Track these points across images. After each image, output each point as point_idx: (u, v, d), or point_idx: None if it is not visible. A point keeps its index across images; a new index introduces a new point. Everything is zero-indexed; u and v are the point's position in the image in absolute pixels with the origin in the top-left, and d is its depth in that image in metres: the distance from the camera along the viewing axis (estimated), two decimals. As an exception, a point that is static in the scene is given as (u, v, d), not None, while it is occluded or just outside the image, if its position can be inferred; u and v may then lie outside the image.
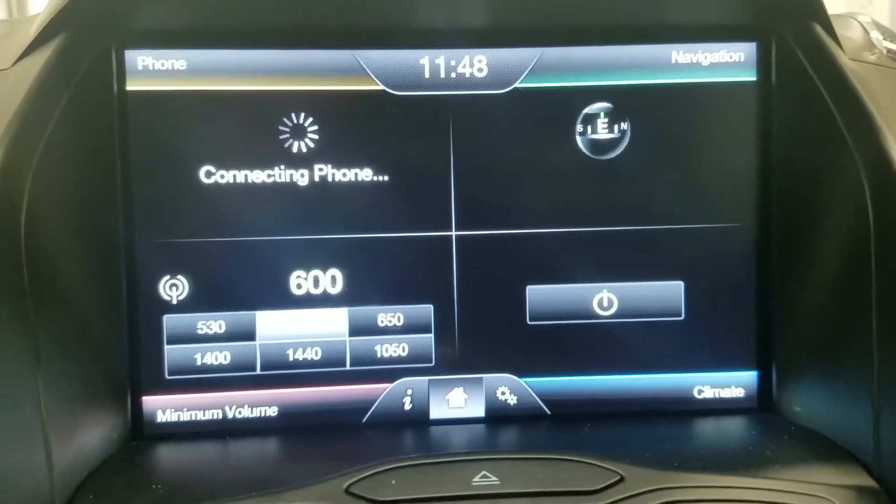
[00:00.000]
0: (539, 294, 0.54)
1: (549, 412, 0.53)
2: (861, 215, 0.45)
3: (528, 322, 0.53)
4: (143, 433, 0.51)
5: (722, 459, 0.43)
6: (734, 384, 0.53)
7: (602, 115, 0.54)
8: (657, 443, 0.47)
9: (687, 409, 0.53)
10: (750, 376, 0.53)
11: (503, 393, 0.54)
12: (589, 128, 0.54)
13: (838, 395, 0.47)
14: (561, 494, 0.40)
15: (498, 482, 0.41)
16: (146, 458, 0.47)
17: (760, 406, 0.53)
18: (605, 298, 0.54)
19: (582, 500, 0.39)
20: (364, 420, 0.53)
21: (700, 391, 0.53)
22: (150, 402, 0.52)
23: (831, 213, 0.49)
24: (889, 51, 0.67)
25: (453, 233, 0.53)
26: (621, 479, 0.41)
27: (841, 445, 0.45)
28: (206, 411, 0.52)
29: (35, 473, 0.40)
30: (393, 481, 0.41)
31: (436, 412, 0.54)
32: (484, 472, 0.41)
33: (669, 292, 0.53)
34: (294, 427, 0.52)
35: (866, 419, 0.44)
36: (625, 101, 0.53)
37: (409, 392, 0.54)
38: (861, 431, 0.44)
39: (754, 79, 0.53)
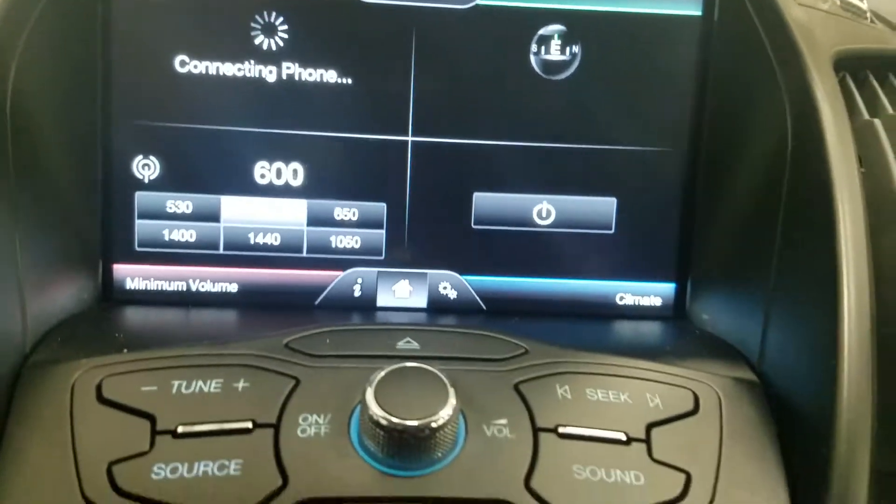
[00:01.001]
0: (484, 201, 0.58)
1: (484, 307, 0.59)
2: (781, 145, 0.50)
3: (473, 226, 0.58)
4: (113, 297, 0.56)
5: (624, 348, 0.48)
6: (653, 294, 0.59)
7: (556, 36, 0.57)
8: (571, 333, 0.52)
9: (608, 314, 0.58)
10: (668, 288, 0.59)
11: (445, 287, 0.59)
12: (543, 48, 0.57)
13: (739, 305, 0.52)
14: (470, 360, 0.45)
15: (418, 347, 0.46)
16: (113, 315, 0.53)
17: (674, 314, 0.58)
18: (544, 209, 0.58)
19: (487, 365, 0.45)
20: (316, 302, 0.58)
21: (622, 298, 0.59)
22: (119, 269, 0.57)
23: (756, 142, 0.53)
24: (843, 2, 0.70)
25: (409, 138, 0.57)
26: (525, 352, 0.46)
27: (735, 348, 0.51)
28: (172, 282, 0.57)
29: (9, 317, 0.45)
30: (328, 340, 0.46)
31: (382, 300, 0.59)
32: (408, 339, 0.47)
33: (602, 207, 0.58)
34: (251, 303, 0.57)
35: (757, 327, 0.49)
36: (578, 25, 0.57)
37: (359, 281, 0.59)
38: (752, 337, 0.50)
39: (699, 13, 0.57)
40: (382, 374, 0.41)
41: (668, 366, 0.47)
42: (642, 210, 0.58)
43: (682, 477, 0.41)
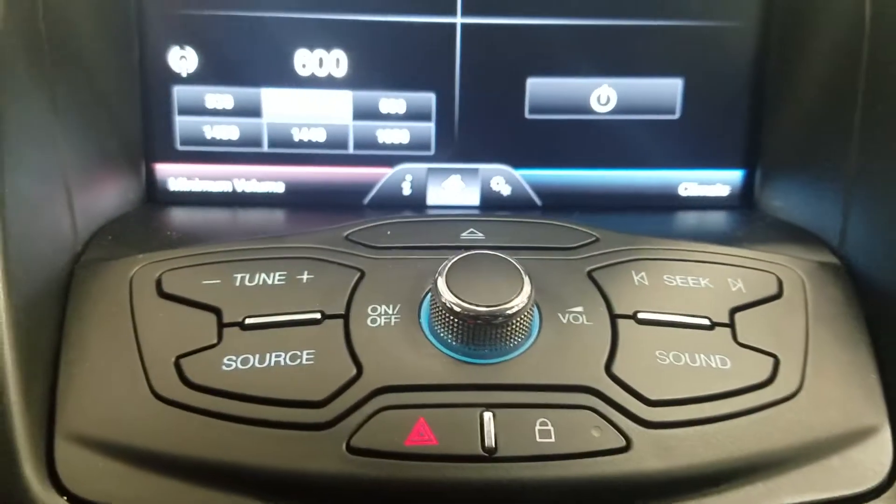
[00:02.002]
0: (539, 87, 0.55)
1: (539, 203, 0.56)
2: (858, 16, 0.46)
3: (527, 115, 0.55)
4: (157, 198, 0.54)
5: (698, 236, 0.46)
6: (719, 182, 0.56)
7: None
8: (637, 224, 0.50)
9: (671, 206, 0.56)
10: (735, 175, 0.56)
11: (497, 183, 0.56)
12: (602, -83, 0.53)
13: (816, 189, 0.50)
14: (539, 249, 0.43)
15: (483, 237, 0.44)
16: (160, 215, 0.51)
17: (742, 203, 0.55)
18: (603, 94, 0.55)
19: (558, 254, 0.43)
20: (365, 202, 0.56)
21: (685, 188, 0.56)
22: (162, 169, 0.55)
23: (832, 14, 0.49)
24: None
25: (458, 19, 0.54)
26: (596, 240, 0.44)
27: (813, 233, 0.48)
28: (216, 182, 0.55)
29: (58, 214, 0.44)
30: (388, 232, 0.44)
31: (433, 198, 0.57)
32: (472, 229, 0.45)
33: (667, 90, 0.55)
34: (299, 203, 0.55)
35: (837, 210, 0.47)
36: None
37: (409, 178, 0.56)
38: (831, 221, 0.47)
39: None
40: (453, 260, 0.39)
41: (747, 250, 0.44)
42: (709, 92, 0.54)
43: (770, 361, 0.39)
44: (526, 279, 0.39)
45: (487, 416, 0.36)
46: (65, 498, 0.35)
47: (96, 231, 0.47)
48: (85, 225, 0.46)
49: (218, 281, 0.41)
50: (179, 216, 0.52)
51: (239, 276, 0.41)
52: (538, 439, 0.36)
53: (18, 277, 0.38)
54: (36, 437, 0.36)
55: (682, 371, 0.38)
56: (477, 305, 0.37)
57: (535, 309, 0.40)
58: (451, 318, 0.38)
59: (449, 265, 0.39)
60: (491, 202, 0.57)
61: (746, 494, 0.36)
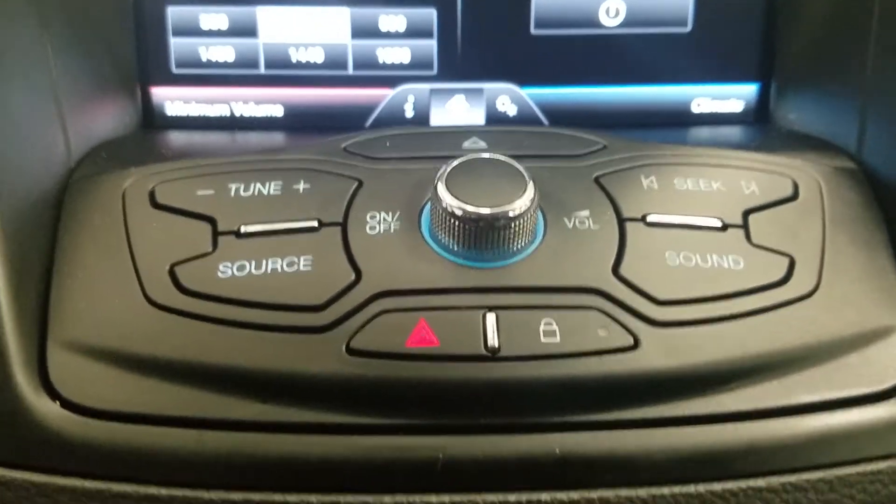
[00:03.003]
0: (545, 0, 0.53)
1: (546, 123, 0.55)
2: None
3: (532, 30, 0.53)
4: (154, 122, 0.53)
5: (710, 142, 0.44)
6: (733, 97, 0.54)
7: None
8: (648, 138, 0.48)
9: (684, 123, 0.54)
10: (750, 89, 0.53)
11: (503, 104, 0.55)
12: None
13: (832, 100, 0.48)
14: (545, 157, 0.42)
15: (486, 146, 0.43)
16: (157, 138, 0.50)
17: (757, 119, 0.53)
18: (612, 6, 0.53)
19: (563, 161, 0.41)
20: (367, 124, 0.54)
21: (699, 104, 0.54)
22: (158, 93, 0.53)
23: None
24: None
25: (459, -72, 0.52)
26: (604, 147, 0.42)
27: (830, 142, 0.47)
28: (214, 105, 0.54)
29: (49, 130, 0.43)
30: (388, 143, 0.43)
31: (436, 120, 0.55)
32: (474, 139, 0.43)
33: (678, 1, 0.52)
34: (299, 126, 0.54)
35: (853, 119, 0.45)
36: None
37: (411, 99, 0.55)
38: (848, 130, 0.45)
39: None
40: (454, 164, 0.38)
41: (761, 154, 0.43)
42: (722, 2, 0.52)
43: (785, 261, 0.38)
44: (529, 181, 0.37)
45: (490, 317, 0.35)
46: (58, 403, 0.34)
47: (90, 150, 0.46)
48: (79, 144, 0.45)
49: (212, 191, 0.40)
50: (176, 139, 0.51)
51: (234, 186, 0.40)
52: (542, 339, 0.35)
53: (7, 189, 0.37)
54: (28, 344, 0.35)
55: (693, 271, 0.37)
56: (479, 208, 0.36)
57: (540, 214, 0.39)
58: (453, 221, 0.37)
59: (449, 169, 0.38)
60: (496, 123, 0.55)
61: (759, 393, 0.35)
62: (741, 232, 0.39)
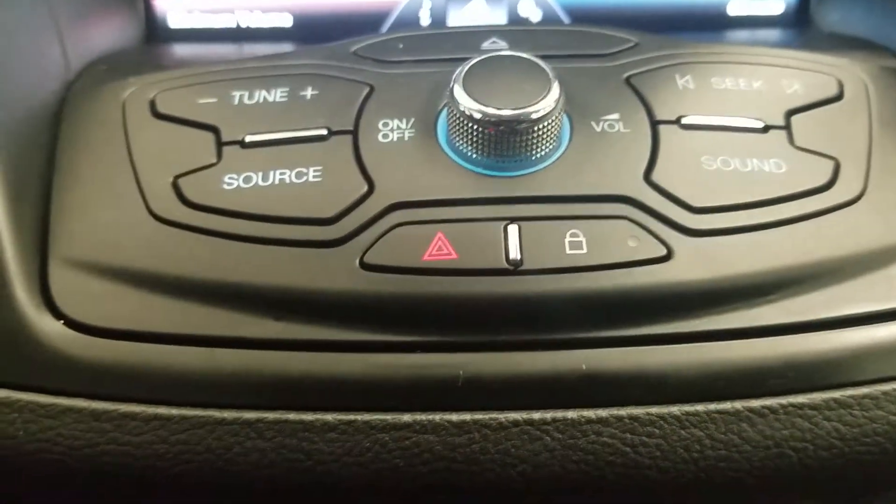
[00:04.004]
0: None
1: (572, 27, 0.51)
2: None
3: (556, -78, 0.49)
4: (157, 35, 0.50)
5: (748, 44, 0.41)
6: (772, -6, 0.50)
7: None
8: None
9: (719, 25, 0.50)
10: (790, -15, 0.50)
11: (526, 7, 0.51)
12: None
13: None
14: (570, 57, 0.38)
15: (507, 46, 0.40)
16: (160, 50, 0.47)
17: (797, 22, 0.49)
18: None
19: (591, 61, 0.38)
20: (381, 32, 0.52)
21: (735, 5, 0.50)
22: (160, 3, 0.50)
23: None
24: None
25: None
26: (635, 45, 0.39)
27: (876, 42, 0.43)
28: (218, 15, 0.51)
29: (45, 41, 0.40)
30: (401, 46, 0.40)
31: (454, 22, 0.52)
32: (494, 39, 0.40)
33: None
34: (309, 36, 0.51)
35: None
36: None
37: (427, 4, 0.51)
38: (894, 28, 0.42)
39: None
40: (471, 63, 0.35)
41: (803, 52, 0.39)
42: None
43: (830, 164, 0.35)
44: (554, 81, 0.34)
45: (512, 228, 0.33)
46: (61, 322, 0.33)
47: (89, 63, 0.44)
48: (77, 58, 0.43)
49: (215, 100, 0.37)
50: (179, 51, 0.48)
51: (237, 93, 0.38)
52: (568, 251, 0.32)
53: (3, 100, 0.35)
54: (28, 262, 0.34)
55: (731, 176, 0.34)
56: (499, 110, 0.33)
57: (566, 118, 0.36)
58: (471, 126, 0.34)
59: (467, 68, 0.35)
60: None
61: (802, 305, 0.33)
62: (783, 133, 0.36)
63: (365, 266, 0.33)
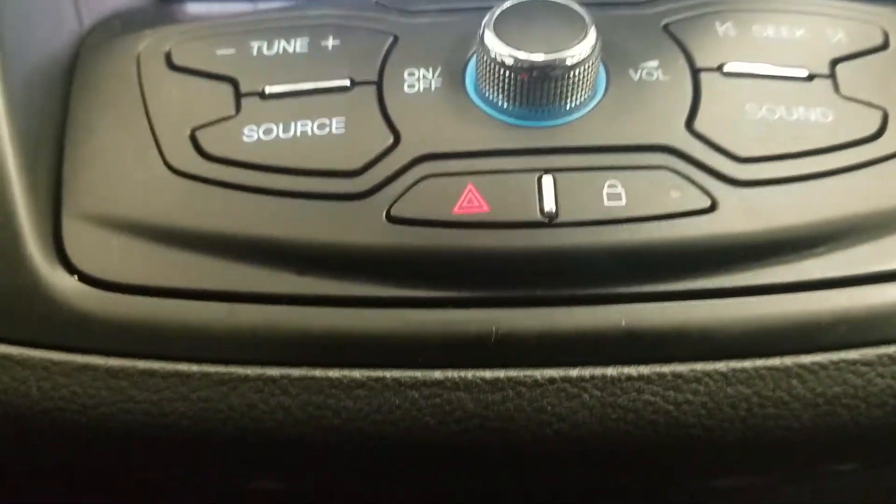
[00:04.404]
0: None
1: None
2: None
3: None
4: (169, -5, 0.49)
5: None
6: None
7: None
8: None
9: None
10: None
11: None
12: None
13: None
14: (607, 6, 0.36)
15: (538, -7, 0.38)
16: (174, 7, 0.45)
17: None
18: None
19: (627, 9, 0.36)
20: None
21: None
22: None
23: None
24: None
25: None
26: None
27: None
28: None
29: (60, 6, 0.39)
30: None
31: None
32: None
33: None
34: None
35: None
36: None
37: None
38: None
39: None
40: (504, 7, 0.33)
41: (846, 1, 0.37)
42: None
43: (878, 114, 0.33)
44: (590, 25, 0.33)
45: (546, 179, 0.31)
46: (76, 277, 0.32)
47: (103, 19, 0.42)
48: (90, 12, 0.41)
49: (233, 50, 0.36)
50: (194, 8, 0.46)
51: (256, 44, 0.36)
52: (606, 203, 0.31)
53: (14, 59, 0.34)
54: (41, 217, 0.32)
55: (777, 125, 0.32)
56: (532, 55, 0.32)
57: (602, 66, 0.34)
58: (502, 73, 0.32)
59: (498, 13, 0.33)
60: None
61: (850, 258, 0.31)
62: (829, 82, 0.34)
63: (392, 219, 0.31)
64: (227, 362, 0.31)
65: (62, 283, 0.32)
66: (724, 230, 0.31)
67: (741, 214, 0.31)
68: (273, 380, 0.30)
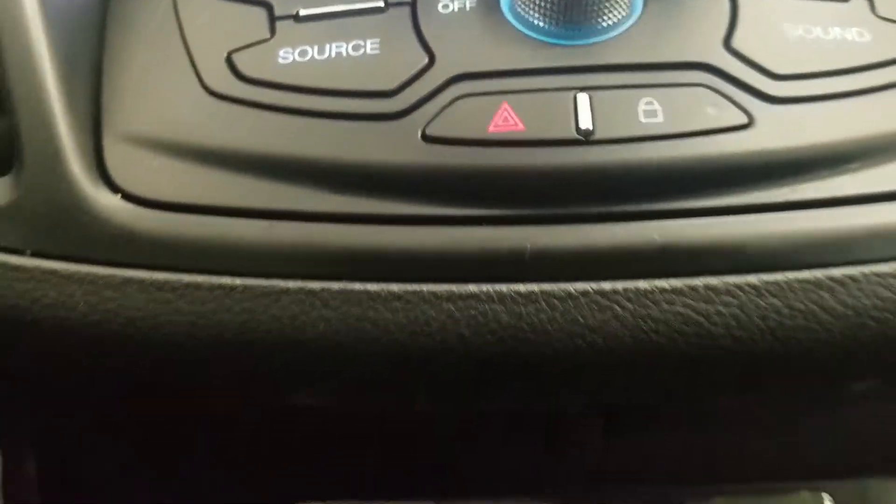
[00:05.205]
0: None
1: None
2: None
3: None
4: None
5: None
6: None
7: None
8: None
9: None
10: None
11: None
12: None
13: None
14: None
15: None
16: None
17: None
18: None
19: None
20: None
21: None
22: None
23: None
24: None
25: None
26: None
27: None
28: None
29: None
30: None
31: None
32: None
33: None
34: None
35: None
36: None
37: None
38: None
39: None
40: None
41: None
42: None
43: (916, 33, 0.33)
44: None
45: (582, 97, 0.31)
46: (119, 196, 0.32)
47: None
48: None
49: (266, -26, 0.36)
50: None
51: (289, -33, 0.36)
52: (643, 119, 0.31)
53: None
54: (83, 138, 0.33)
55: (814, 43, 0.32)
56: (568, -28, 0.32)
57: None
58: (537, -10, 0.33)
59: None
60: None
61: (884, 174, 0.31)
62: (865, 3, 0.33)
63: (427, 138, 0.31)
64: (268, 276, 0.31)
65: (106, 201, 0.32)
66: (759, 146, 0.31)
67: (777, 131, 0.31)
68: (314, 293, 0.31)
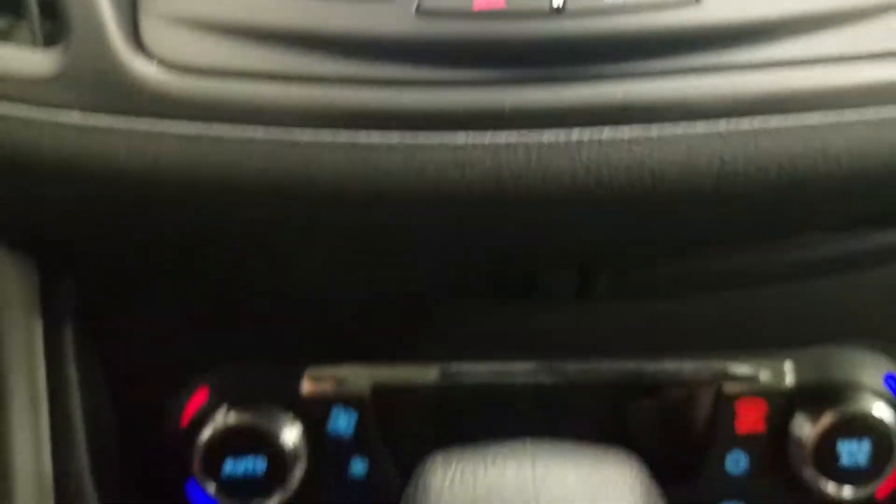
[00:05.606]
0: None
1: None
2: None
3: None
4: None
5: None
6: None
7: None
8: None
9: None
10: None
11: None
12: None
13: None
14: None
15: None
16: None
17: None
18: None
19: None
20: None
21: None
22: None
23: None
24: None
25: None
26: None
27: None
28: None
29: None
30: None
31: None
32: None
33: None
34: None
35: None
36: None
37: None
38: None
39: None
40: None
41: None
42: None
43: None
44: None
45: (555, -22, 0.37)
46: (154, 62, 0.37)
47: None
48: None
49: None
50: None
51: None
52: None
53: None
54: (122, 14, 0.38)
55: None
56: None
57: None
58: None
59: None
60: None
61: (812, 44, 0.36)
62: None
63: (420, 12, 0.37)
64: (284, 127, 0.37)
65: (144, 68, 0.37)
66: (707, 20, 0.36)
67: (720, 6, 0.36)
68: (325, 143, 0.37)
